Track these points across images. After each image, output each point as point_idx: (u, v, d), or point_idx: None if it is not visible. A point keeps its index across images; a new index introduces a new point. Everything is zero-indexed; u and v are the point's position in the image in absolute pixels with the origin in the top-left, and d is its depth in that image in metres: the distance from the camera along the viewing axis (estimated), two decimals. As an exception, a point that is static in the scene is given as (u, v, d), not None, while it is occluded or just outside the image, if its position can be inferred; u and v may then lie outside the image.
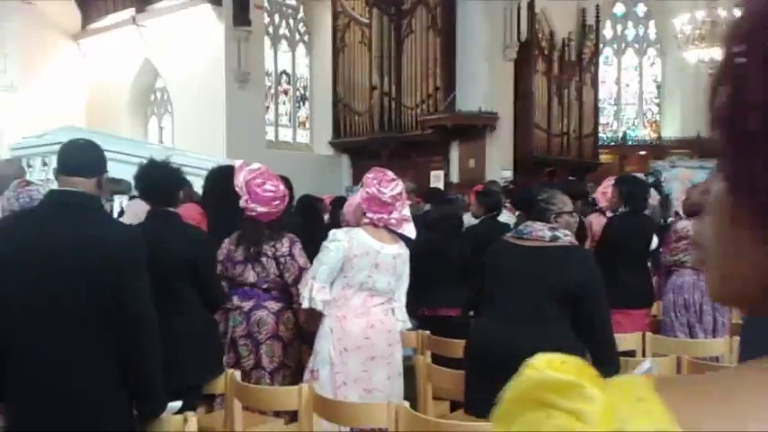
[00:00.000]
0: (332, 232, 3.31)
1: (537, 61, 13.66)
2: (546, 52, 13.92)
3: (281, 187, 3.55)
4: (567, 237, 2.96)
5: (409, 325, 3.51)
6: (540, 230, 2.93)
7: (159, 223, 3.18)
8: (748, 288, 0.52)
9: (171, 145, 14.37)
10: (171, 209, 3.29)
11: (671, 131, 16.23)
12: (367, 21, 14.24)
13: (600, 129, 15.96)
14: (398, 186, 3.30)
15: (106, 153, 2.65)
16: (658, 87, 16.47)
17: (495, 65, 13.11)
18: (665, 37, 15.78)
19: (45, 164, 7.08)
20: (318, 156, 15.00)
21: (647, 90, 16.57)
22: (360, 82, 14.38)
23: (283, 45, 14.97)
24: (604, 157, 15.40)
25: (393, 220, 3.27)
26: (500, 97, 13.10)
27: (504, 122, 13.10)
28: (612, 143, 16.16)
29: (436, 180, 12.61)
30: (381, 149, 13.80)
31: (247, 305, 3.52)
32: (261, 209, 3.44)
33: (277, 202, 3.49)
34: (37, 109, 14.96)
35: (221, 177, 4.58)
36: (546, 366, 0.49)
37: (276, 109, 14.83)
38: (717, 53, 12.46)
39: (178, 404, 2.51)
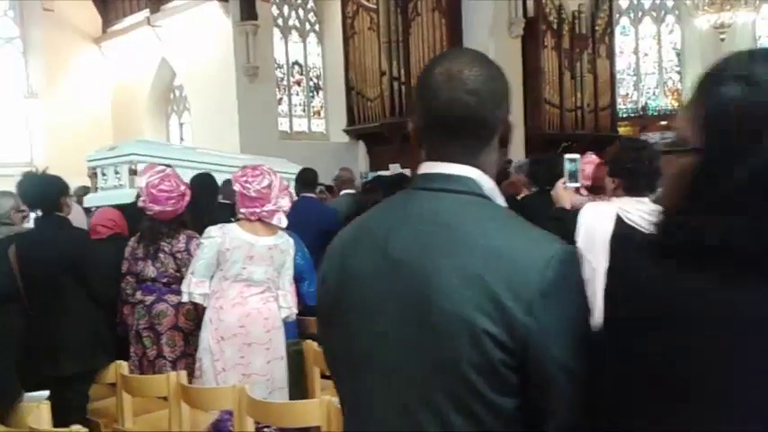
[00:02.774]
0: (207, 229, 3.50)
1: (545, 36, 13.49)
2: (555, 26, 13.72)
3: (182, 187, 3.74)
4: None
5: (294, 311, 3.62)
6: None
7: (47, 226, 3.43)
8: None
9: (190, 142, 14.75)
10: (58, 213, 3.53)
11: (694, 99, 15.75)
12: (374, 6, 14.25)
13: (620, 100, 15.68)
14: (265, 180, 3.43)
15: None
16: (678, 55, 16.07)
17: (502, 42, 13.00)
18: (682, 3, 15.37)
19: (117, 172, 7.77)
20: (334, 144, 15.12)
21: (666, 58, 16.18)
22: (370, 68, 14.43)
23: (294, 36, 15.11)
24: (623, 130, 15.13)
25: (265, 213, 3.41)
26: (508, 75, 12.90)
27: (514, 101, 12.95)
28: (633, 114, 15.85)
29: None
30: (393, 135, 13.85)
31: (149, 299, 3.77)
32: (157, 208, 3.63)
33: (173, 200, 3.67)
34: (63, 113, 15.50)
35: (202, 186, 4.90)
36: None
37: (290, 100, 15.01)
38: (727, 17, 12.16)
39: (44, 393, 2.69)
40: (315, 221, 4.73)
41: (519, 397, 1.10)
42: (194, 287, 3.40)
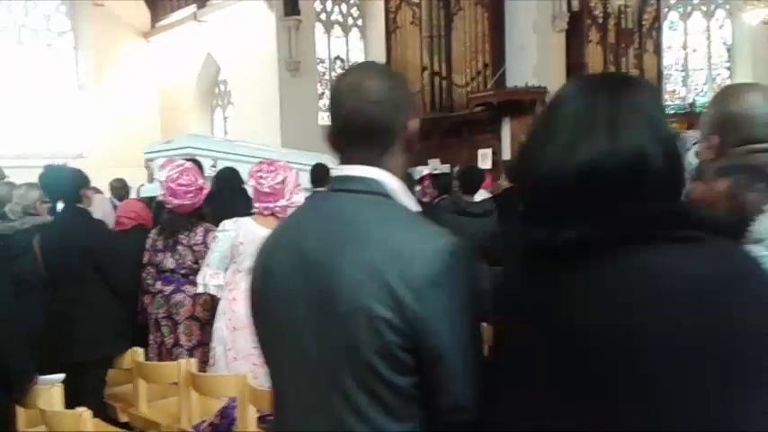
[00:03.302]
0: (222, 223, 3.57)
1: (590, 31, 13.27)
2: (600, 21, 13.49)
3: (200, 181, 3.81)
4: None
5: None
6: None
7: (66, 217, 3.55)
8: None
9: (233, 135, 14.95)
10: (79, 205, 3.63)
11: (744, 96, 15.36)
12: (417, 0, 14.25)
13: (667, 97, 15.33)
14: (279, 176, 3.47)
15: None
16: (728, 50, 15.62)
17: (545, 37, 12.86)
18: (733, -3, 14.99)
19: None
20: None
21: (716, 54, 15.74)
22: (412, 63, 14.41)
23: (336, 30, 15.19)
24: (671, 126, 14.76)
25: (278, 208, 3.46)
26: (551, 70, 12.83)
27: (556, 96, 12.82)
28: (681, 111, 15.47)
29: (483, 158, 12.53)
30: (434, 130, 13.81)
31: (168, 289, 3.87)
32: (176, 201, 3.71)
33: (191, 194, 3.76)
34: (112, 106, 15.89)
35: (226, 179, 5.03)
36: None
37: (332, 95, 15.08)
38: (776, 13, 11.78)
39: (60, 377, 2.78)
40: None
41: (415, 376, 1.24)
42: (209, 279, 3.50)
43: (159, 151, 8.91)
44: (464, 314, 1.23)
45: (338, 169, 1.39)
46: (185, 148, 8.48)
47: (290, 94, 13.48)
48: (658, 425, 0.96)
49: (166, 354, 3.79)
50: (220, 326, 3.48)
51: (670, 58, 15.60)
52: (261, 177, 3.46)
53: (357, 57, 15.51)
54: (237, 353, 3.39)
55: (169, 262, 3.89)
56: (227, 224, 3.53)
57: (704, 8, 15.70)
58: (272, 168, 3.51)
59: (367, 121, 1.34)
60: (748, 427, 0.95)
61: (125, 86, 16.23)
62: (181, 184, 3.73)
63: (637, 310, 0.97)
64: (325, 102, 14.96)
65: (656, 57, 14.43)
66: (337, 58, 15.24)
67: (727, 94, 1.79)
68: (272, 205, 3.46)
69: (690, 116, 15.75)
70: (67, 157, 12.71)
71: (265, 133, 12.77)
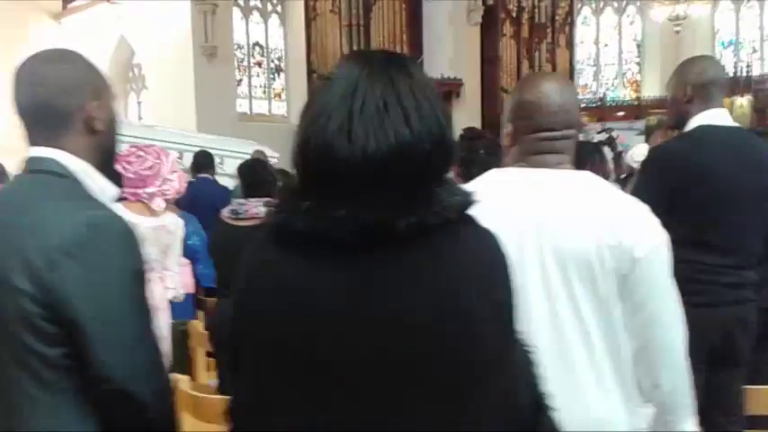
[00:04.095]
0: None
1: (504, 24, 13.54)
2: (514, 15, 13.77)
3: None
4: None
5: (182, 292, 3.65)
6: None
7: None
8: None
9: (148, 120, 14.63)
10: None
11: (652, 91, 15.97)
12: (337, -12, 14.21)
13: (578, 90, 15.78)
14: (148, 161, 3.43)
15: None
16: (638, 46, 16.19)
17: (460, 29, 13.05)
18: (643, -6, 15.51)
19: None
20: (294, 126, 14.95)
21: (626, 49, 16.29)
22: (332, 51, 14.38)
23: (255, 16, 14.99)
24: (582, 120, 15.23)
25: (145, 195, 3.41)
26: (466, 62, 13.05)
27: (471, 88, 13.07)
28: (592, 105, 15.96)
29: (399, 148, 12.63)
30: (352, 119, 13.84)
31: None
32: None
33: None
34: (21, 88, 15.29)
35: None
36: None
37: (250, 81, 14.92)
38: (682, 10, 12.28)
39: None
40: (210, 202, 4.79)
41: (65, 347, 1.27)
42: None
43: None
44: (111, 287, 1.27)
45: (28, 151, 1.46)
46: (131, 136, 8.23)
47: (207, 80, 13.24)
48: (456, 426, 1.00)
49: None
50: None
51: (582, 53, 16.05)
52: (128, 163, 3.41)
53: (276, 43, 15.36)
54: None
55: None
56: None
57: (616, 4, 16.22)
58: (140, 153, 3.46)
59: (35, 104, 1.42)
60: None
61: (34, 68, 15.62)
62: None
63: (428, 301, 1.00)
64: (244, 89, 14.86)
65: (568, 51, 14.84)
66: (256, 44, 15.06)
67: (523, 83, 1.83)
68: (139, 191, 3.40)
69: (601, 109, 16.28)
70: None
71: (181, 118, 12.53)
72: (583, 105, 15.95)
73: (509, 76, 13.71)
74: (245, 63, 14.80)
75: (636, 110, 15.59)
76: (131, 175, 3.37)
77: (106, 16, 14.81)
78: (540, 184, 1.62)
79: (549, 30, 14.41)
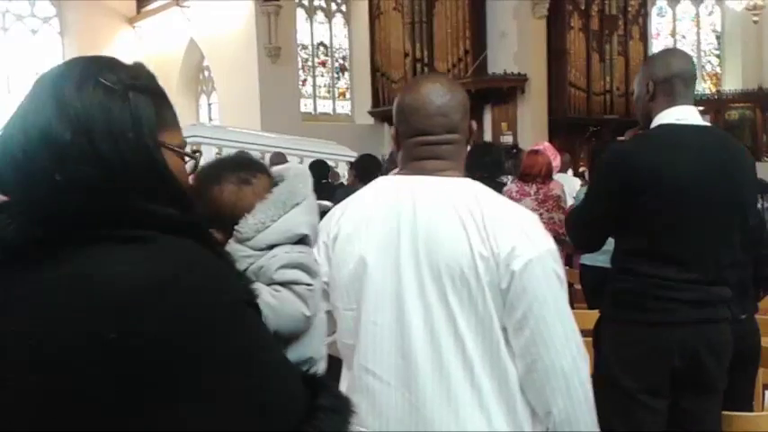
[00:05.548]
0: None
1: (572, 17, 13.09)
2: (582, 7, 13.30)
3: None
4: None
5: None
6: None
7: None
8: None
9: (218, 122, 14.88)
10: None
11: (733, 84, 15.17)
12: (400, -15, 14.09)
13: (655, 85, 15.16)
14: None
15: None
16: (718, 38, 15.39)
17: (525, 23, 12.68)
18: (724, -17, 14.73)
19: None
20: (359, 126, 15.02)
21: (705, 41, 15.52)
22: (395, 49, 14.27)
23: (319, 16, 15.03)
24: (657, 115, 14.57)
25: None
26: (532, 58, 12.68)
27: (537, 83, 12.67)
28: (669, 99, 15.28)
29: (461, 146, 12.39)
30: (416, 117, 13.69)
31: None
32: None
33: None
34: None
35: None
36: None
37: (314, 81, 14.96)
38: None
39: None
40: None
41: None
42: None
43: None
44: None
45: None
46: (192, 136, 8.76)
47: (271, 81, 13.37)
48: None
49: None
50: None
51: (658, 46, 15.39)
52: None
53: (341, 43, 15.37)
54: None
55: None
56: None
57: (693, -6, 15.50)
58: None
59: None
60: None
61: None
62: None
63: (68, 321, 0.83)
64: (308, 89, 14.93)
65: (641, 44, 14.23)
66: (320, 44, 15.10)
67: (407, 85, 1.75)
68: None
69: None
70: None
71: (247, 119, 12.70)
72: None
73: (578, 70, 13.26)
74: (310, 63, 14.85)
75: (716, 104, 14.85)
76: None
77: (177, 19, 15.14)
78: (418, 192, 1.52)
79: (620, 21, 13.85)
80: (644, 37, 14.33)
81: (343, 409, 1.00)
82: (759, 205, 8.34)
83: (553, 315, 1.43)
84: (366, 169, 5.56)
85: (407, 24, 13.75)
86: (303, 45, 14.59)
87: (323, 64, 15.15)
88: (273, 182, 1.41)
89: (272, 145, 9.18)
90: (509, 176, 5.44)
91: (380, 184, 1.64)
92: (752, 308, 2.73)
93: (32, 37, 15.98)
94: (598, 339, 2.31)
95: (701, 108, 9.68)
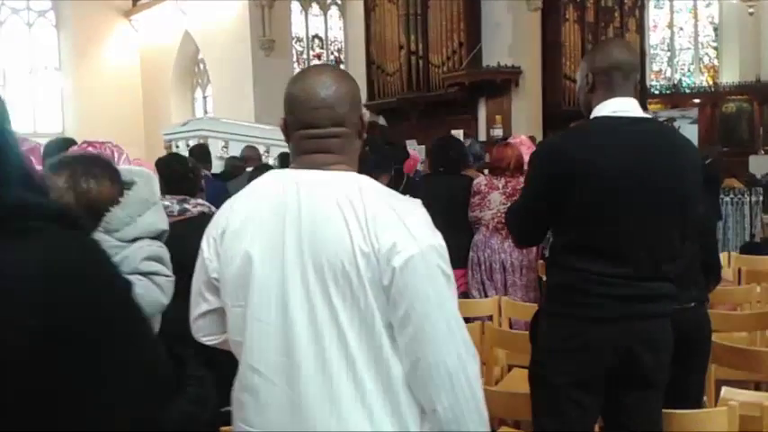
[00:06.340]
0: None
1: (567, 9, 13.00)
2: (577, -1, 13.21)
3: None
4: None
5: None
6: None
7: None
8: None
9: (212, 114, 14.87)
10: None
11: (730, 76, 15.08)
12: (395, -23, 14.01)
13: (652, 77, 15.06)
14: None
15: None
16: (715, 30, 15.29)
17: (520, 15, 12.59)
18: (721, -27, 14.60)
19: (188, 146, 8.80)
20: (356, 119, 14.94)
21: (703, 33, 15.41)
22: (390, 42, 14.20)
23: (314, 9, 14.99)
24: (654, 107, 14.49)
25: None
26: (526, 50, 12.59)
27: (532, 76, 12.58)
28: (666, 91, 15.19)
29: (454, 139, 12.31)
30: (411, 110, 13.64)
31: None
32: None
33: None
34: (94, 85, 15.82)
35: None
36: None
37: (309, 74, 14.91)
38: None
39: None
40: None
41: None
42: None
43: (176, 133, 9.84)
44: None
45: None
46: (199, 129, 9.27)
47: (265, 74, 13.32)
48: None
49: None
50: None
51: (655, 38, 15.30)
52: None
53: (336, 35, 15.32)
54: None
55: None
56: None
57: (691, -15, 15.39)
58: (90, 150, 3.38)
59: None
60: None
61: (106, 65, 16.17)
62: None
63: None
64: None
65: (638, 36, 14.12)
66: (315, 36, 15.06)
67: (294, 76, 1.68)
68: None
69: (674, 96, 15.49)
70: (47, 136, 12.68)
71: (241, 111, 12.68)
72: (656, 92, 15.21)
73: (573, 63, 13.14)
74: (305, 56, 14.81)
75: (713, 96, 14.76)
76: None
77: (172, 12, 15.12)
78: (303, 187, 1.49)
79: (617, 13, 13.72)
80: (641, 29, 14.21)
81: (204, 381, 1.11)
82: (728, 199, 8.30)
83: (436, 312, 1.40)
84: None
85: (402, 17, 13.67)
86: (298, 38, 14.56)
87: (318, 57, 15.12)
88: (124, 182, 1.50)
89: (267, 137, 9.18)
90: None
91: (268, 177, 1.60)
92: (702, 296, 2.70)
93: (28, 30, 16.00)
94: (533, 333, 2.28)
95: (698, 100, 9.64)
